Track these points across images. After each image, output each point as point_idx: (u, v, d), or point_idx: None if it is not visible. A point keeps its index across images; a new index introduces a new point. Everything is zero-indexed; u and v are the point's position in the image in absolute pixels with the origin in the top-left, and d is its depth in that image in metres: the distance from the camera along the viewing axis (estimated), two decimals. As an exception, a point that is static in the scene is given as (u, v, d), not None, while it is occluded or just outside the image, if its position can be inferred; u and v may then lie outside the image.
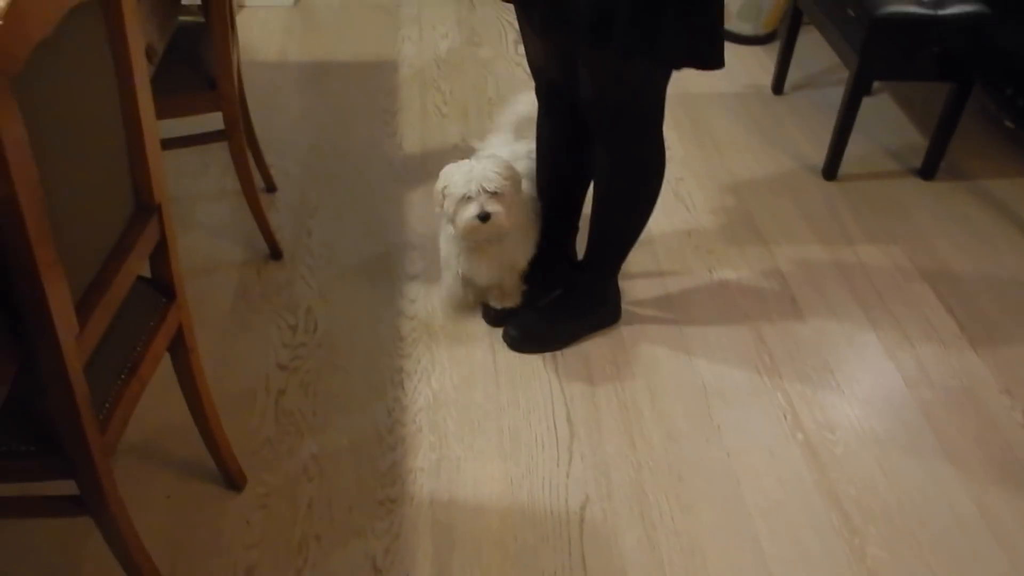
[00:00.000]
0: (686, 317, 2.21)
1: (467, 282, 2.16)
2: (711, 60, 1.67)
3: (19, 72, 0.95)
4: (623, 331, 2.17)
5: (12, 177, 0.96)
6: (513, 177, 1.91)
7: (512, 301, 2.15)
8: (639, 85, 1.75)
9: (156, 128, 1.36)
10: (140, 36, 1.24)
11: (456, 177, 1.89)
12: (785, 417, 1.97)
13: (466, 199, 1.88)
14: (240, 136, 2.12)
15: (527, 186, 2.10)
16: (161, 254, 1.45)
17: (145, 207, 1.38)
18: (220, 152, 2.69)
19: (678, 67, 1.68)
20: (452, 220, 1.93)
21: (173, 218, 1.47)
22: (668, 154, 2.76)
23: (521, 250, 2.08)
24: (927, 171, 2.77)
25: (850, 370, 2.10)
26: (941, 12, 2.48)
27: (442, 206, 1.93)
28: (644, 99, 1.79)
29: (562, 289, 2.15)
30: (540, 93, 1.96)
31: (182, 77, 2.03)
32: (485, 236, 1.95)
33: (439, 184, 1.93)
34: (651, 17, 1.58)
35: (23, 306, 1.07)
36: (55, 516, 1.38)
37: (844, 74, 3.31)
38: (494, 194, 1.88)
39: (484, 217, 1.88)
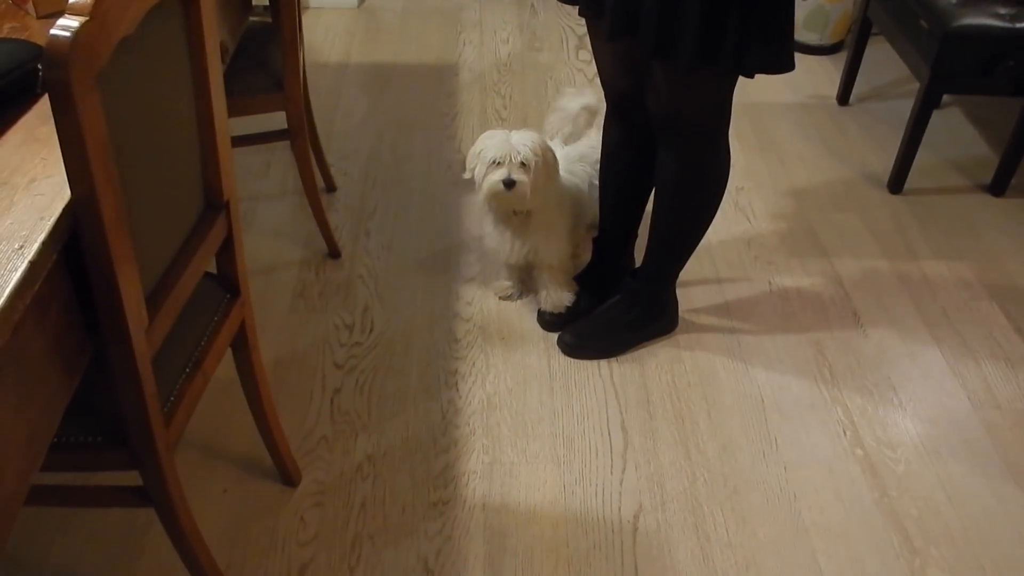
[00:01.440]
0: (744, 327, 2.19)
1: (509, 271, 2.22)
2: (781, 65, 1.66)
3: (102, 69, 0.98)
4: (680, 340, 2.15)
5: (93, 174, 0.99)
6: (547, 156, 1.95)
7: (561, 302, 2.16)
8: (706, 93, 1.75)
9: (227, 127, 1.39)
10: (216, 35, 1.27)
11: (491, 142, 1.94)
12: (844, 433, 1.94)
13: (496, 164, 1.93)
14: (304, 137, 2.16)
15: (571, 183, 2.12)
16: (227, 251, 1.47)
17: (214, 204, 1.40)
18: (282, 152, 2.74)
19: (748, 75, 1.66)
20: (479, 184, 1.97)
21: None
22: (730, 163, 2.77)
23: (551, 244, 2.09)
24: (997, 187, 2.71)
25: (913, 387, 2.06)
26: (1019, 25, 2.43)
27: (473, 170, 1.98)
28: (711, 107, 1.78)
29: (619, 296, 2.15)
30: (608, 99, 1.97)
31: (250, 77, 2.07)
32: (508, 206, 2.00)
33: (475, 148, 1.97)
34: (718, 27, 1.57)
35: (97, 299, 1.10)
36: (118, 506, 1.41)
37: (912, 86, 3.25)
38: (523, 165, 1.92)
39: (509, 184, 1.92)
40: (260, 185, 2.63)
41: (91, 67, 0.95)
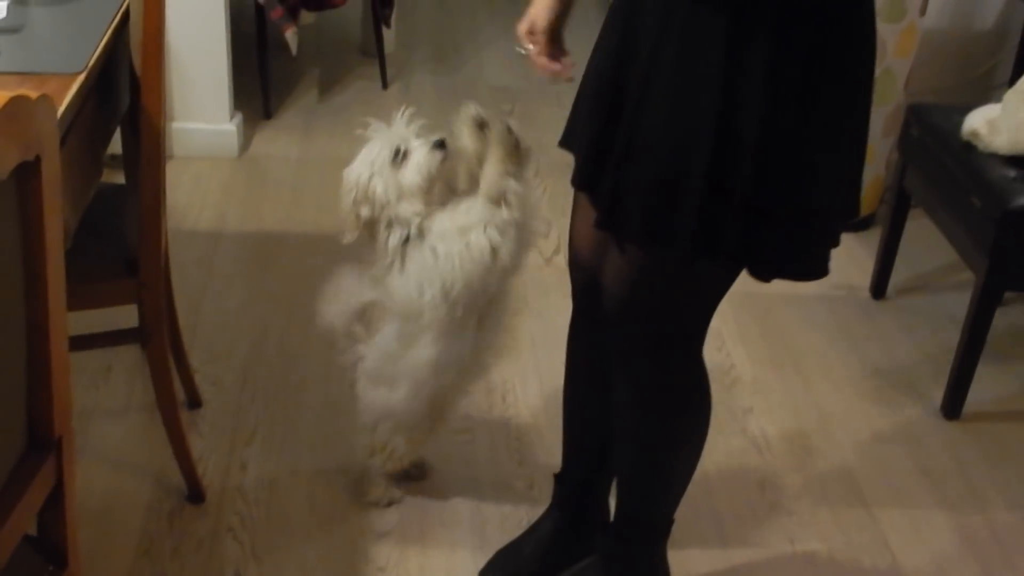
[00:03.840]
0: (760, 607, 2.20)
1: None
2: (812, 269, 1.75)
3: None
4: (673, 625, 2.15)
5: None
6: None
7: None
8: (691, 293, 1.81)
9: (66, 339, 1.41)
10: (60, 223, 1.31)
11: (369, 155, 2.08)
12: None
13: (400, 156, 2.05)
14: (162, 337, 2.19)
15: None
16: (54, 506, 1.47)
17: (40, 443, 1.41)
18: (128, 352, 2.75)
19: (765, 279, 1.75)
20: (390, 218, 2.08)
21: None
22: (732, 376, 2.86)
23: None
24: (1084, 412, 2.82)
25: None
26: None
27: (359, 217, 2.12)
28: (692, 309, 1.84)
29: (590, 560, 2.15)
30: (577, 289, 2.02)
31: (91, 258, 2.11)
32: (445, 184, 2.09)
33: (348, 185, 2.12)
34: (732, 213, 1.64)
35: None
36: None
37: (967, 274, 3.41)
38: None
39: (440, 144, 2.03)
40: (96, 396, 2.63)
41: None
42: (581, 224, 1.94)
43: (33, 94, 1.24)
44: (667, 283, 1.79)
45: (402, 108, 2.10)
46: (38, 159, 1.28)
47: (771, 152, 1.62)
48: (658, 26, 1.64)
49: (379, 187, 2.07)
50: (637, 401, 1.93)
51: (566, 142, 1.90)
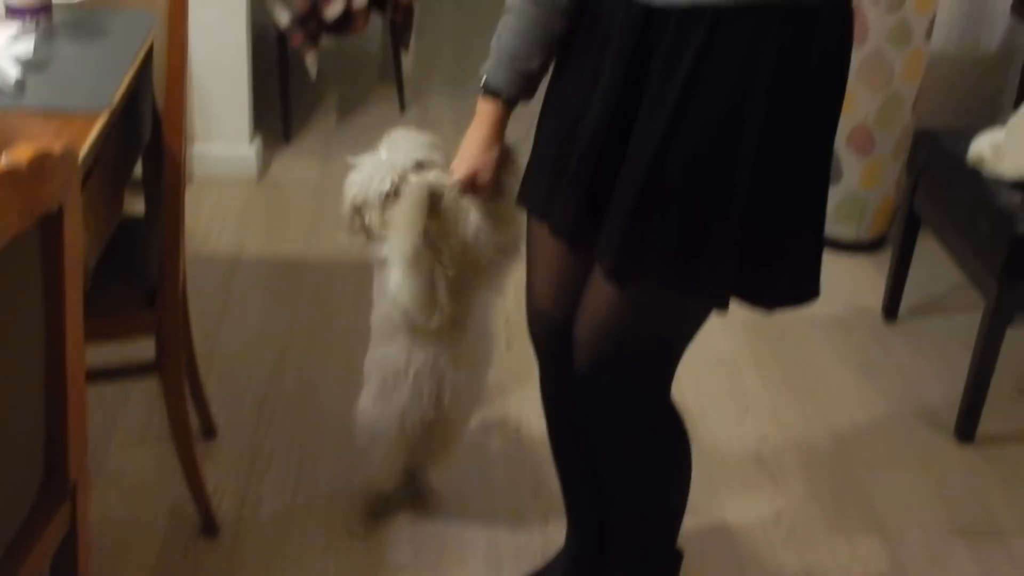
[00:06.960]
0: (777, 638, 2.17)
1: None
2: (809, 291, 1.73)
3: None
4: (690, 659, 2.12)
5: None
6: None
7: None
8: (671, 323, 1.78)
9: (83, 379, 1.39)
10: (81, 271, 1.30)
11: (368, 170, 2.01)
12: None
13: (392, 191, 1.98)
14: (179, 369, 2.17)
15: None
16: (67, 550, 1.45)
17: (55, 487, 1.39)
18: (144, 380, 2.72)
19: (771, 309, 1.71)
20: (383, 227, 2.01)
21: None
22: (746, 402, 2.83)
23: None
24: (1101, 434, 2.78)
25: None
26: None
27: (364, 223, 2.04)
28: (676, 354, 1.82)
29: (605, 592, 2.12)
30: (542, 345, 1.97)
31: (112, 292, 2.08)
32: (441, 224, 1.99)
33: (348, 196, 2.03)
34: (757, 251, 1.63)
35: None
36: None
37: (979, 295, 3.38)
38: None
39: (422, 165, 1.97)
40: (112, 426, 2.61)
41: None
42: (544, 276, 1.88)
43: (56, 148, 1.24)
44: (664, 328, 1.77)
45: (402, 130, 2.05)
46: (60, 209, 1.28)
47: (794, 186, 1.63)
48: (679, 56, 1.56)
49: (369, 216, 2.04)
50: (620, 451, 1.92)
51: (529, 197, 1.83)
